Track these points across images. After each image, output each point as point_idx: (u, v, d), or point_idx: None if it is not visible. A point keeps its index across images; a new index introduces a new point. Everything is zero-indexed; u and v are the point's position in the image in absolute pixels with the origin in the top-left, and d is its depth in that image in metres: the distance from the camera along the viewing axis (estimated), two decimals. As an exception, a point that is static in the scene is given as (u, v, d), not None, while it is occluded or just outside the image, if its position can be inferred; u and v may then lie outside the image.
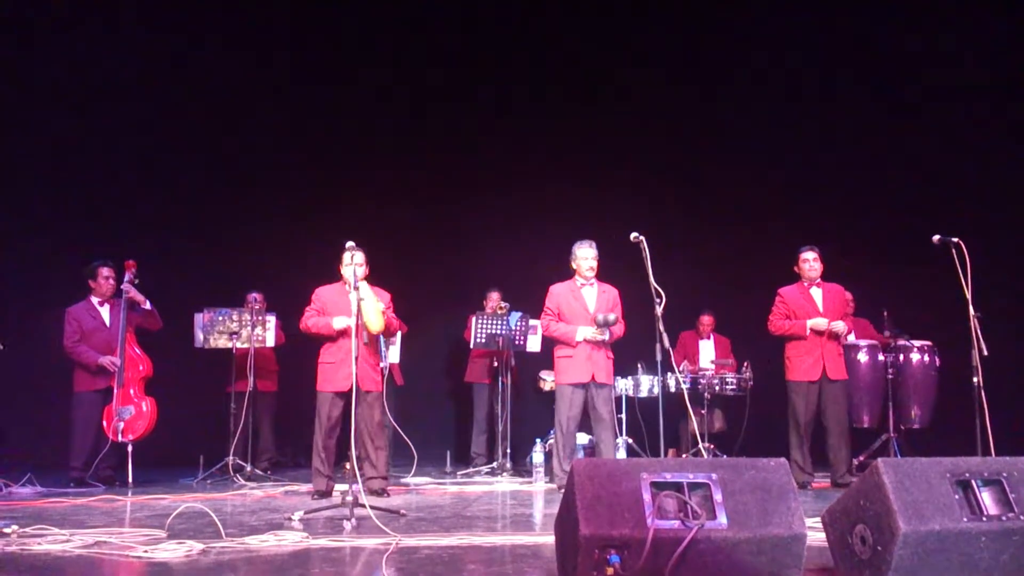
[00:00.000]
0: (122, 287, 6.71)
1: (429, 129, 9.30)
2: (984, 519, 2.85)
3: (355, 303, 5.21)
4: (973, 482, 2.93)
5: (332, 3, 9.15)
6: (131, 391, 6.63)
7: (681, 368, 7.73)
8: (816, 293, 6.61)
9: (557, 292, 6.49)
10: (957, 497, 2.88)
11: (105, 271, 6.87)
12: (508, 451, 7.63)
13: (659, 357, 5.24)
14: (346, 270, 5.76)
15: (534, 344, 7.99)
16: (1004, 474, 2.96)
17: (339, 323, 5.77)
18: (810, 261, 6.62)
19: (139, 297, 6.78)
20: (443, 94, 9.32)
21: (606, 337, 6.24)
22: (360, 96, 9.23)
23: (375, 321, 5.66)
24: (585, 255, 6.40)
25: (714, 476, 2.89)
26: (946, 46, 8.36)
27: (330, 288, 6.01)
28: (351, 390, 5.00)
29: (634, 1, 9.30)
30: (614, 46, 9.32)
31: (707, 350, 8.48)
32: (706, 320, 8.56)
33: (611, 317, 6.20)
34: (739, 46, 9.10)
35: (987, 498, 2.92)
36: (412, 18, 9.10)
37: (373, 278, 6.02)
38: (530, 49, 9.31)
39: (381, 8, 9.08)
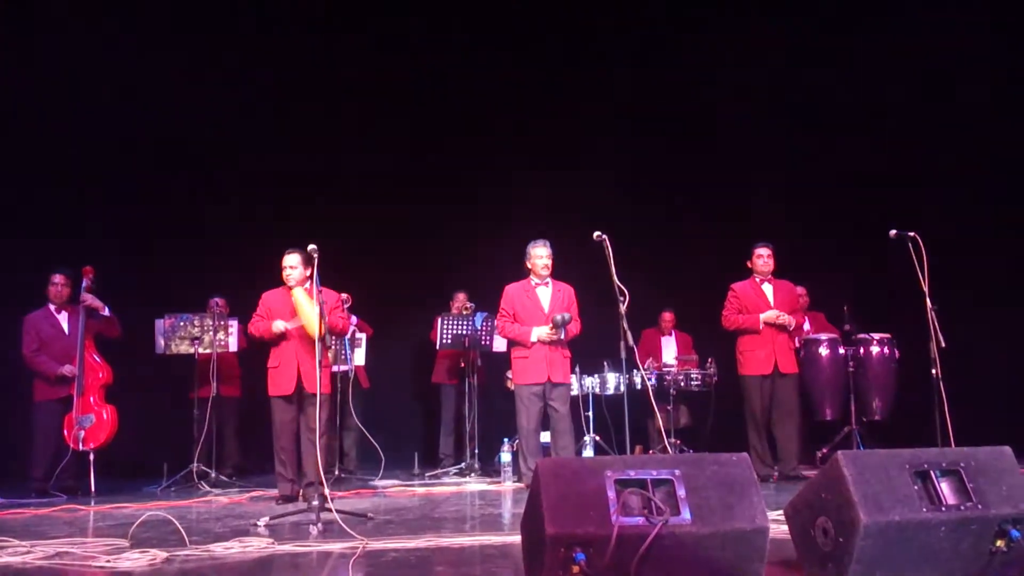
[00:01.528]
0: (81, 296, 6.62)
1: (393, 131, 9.25)
2: (943, 509, 2.89)
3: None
4: (932, 473, 2.97)
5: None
6: (91, 399, 6.54)
7: (646, 365, 7.77)
8: (767, 288, 6.73)
9: (512, 292, 6.48)
10: (916, 488, 2.92)
11: (56, 278, 6.76)
12: (476, 451, 7.63)
13: (623, 355, 5.26)
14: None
15: (500, 344, 7.99)
16: (961, 464, 3.01)
17: (277, 326, 5.77)
18: (764, 257, 6.72)
19: (97, 303, 6.68)
20: (406, 95, 9.29)
21: (561, 336, 6.25)
22: (322, 96, 9.15)
23: (311, 324, 5.63)
24: (540, 254, 6.41)
25: (677, 472, 2.90)
26: (903, 43, 8.48)
27: (275, 292, 5.97)
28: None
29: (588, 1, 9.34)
30: (574, 48, 9.34)
31: (669, 347, 8.56)
32: (667, 317, 8.65)
33: (567, 317, 6.21)
34: (696, 44, 9.17)
35: (945, 488, 2.96)
36: (375, 16, 9.04)
37: (332, 279, 5.98)
38: (490, 51, 9.31)
39: (344, 3, 9.02)
